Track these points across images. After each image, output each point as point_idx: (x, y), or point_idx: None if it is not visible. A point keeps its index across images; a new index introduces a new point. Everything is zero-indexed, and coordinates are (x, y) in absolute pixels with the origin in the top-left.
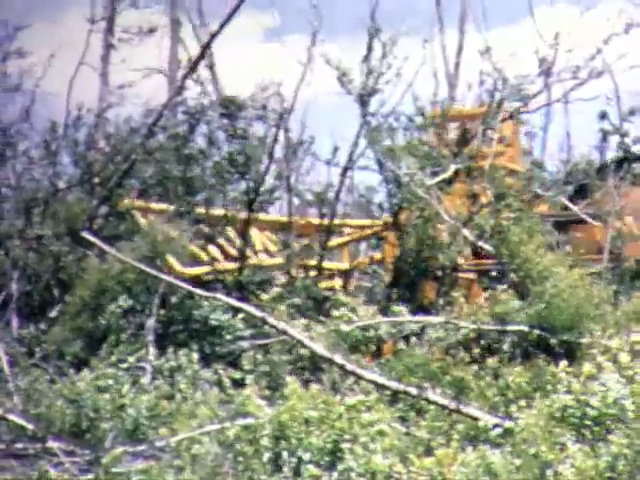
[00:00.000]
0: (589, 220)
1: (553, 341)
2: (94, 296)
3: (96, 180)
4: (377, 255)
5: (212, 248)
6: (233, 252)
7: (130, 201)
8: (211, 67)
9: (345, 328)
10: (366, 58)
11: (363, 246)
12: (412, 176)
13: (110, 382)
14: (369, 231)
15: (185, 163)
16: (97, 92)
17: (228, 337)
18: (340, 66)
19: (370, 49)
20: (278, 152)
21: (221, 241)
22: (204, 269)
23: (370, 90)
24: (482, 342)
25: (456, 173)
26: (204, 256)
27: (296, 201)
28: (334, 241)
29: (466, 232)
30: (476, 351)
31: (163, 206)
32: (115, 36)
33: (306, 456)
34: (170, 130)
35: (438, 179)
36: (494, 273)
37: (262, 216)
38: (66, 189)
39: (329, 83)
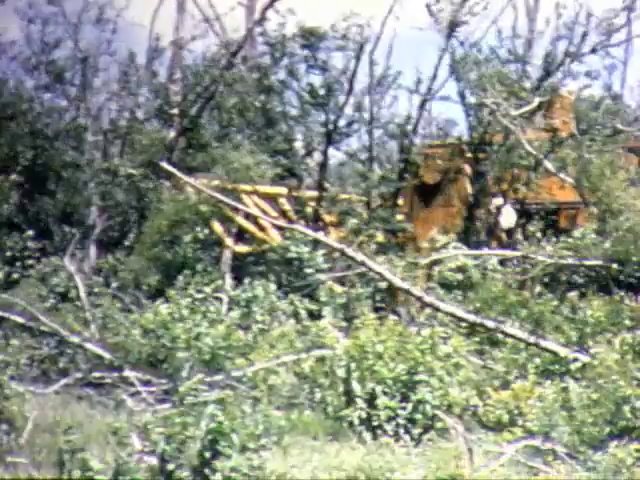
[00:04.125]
0: None
1: (631, 276)
2: (171, 226)
3: (175, 111)
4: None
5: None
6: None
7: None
8: None
9: (422, 261)
10: None
11: None
12: (499, 105)
13: (186, 312)
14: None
15: (265, 94)
16: (178, 23)
17: (307, 270)
18: None
19: None
20: (359, 84)
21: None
22: (251, 248)
23: (458, 20)
24: (560, 276)
25: (539, 106)
26: (254, 229)
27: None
28: None
29: (548, 164)
30: (553, 285)
31: None
32: None
33: (379, 388)
34: (250, 61)
35: (523, 110)
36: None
37: None
38: (145, 120)
39: (409, 17)
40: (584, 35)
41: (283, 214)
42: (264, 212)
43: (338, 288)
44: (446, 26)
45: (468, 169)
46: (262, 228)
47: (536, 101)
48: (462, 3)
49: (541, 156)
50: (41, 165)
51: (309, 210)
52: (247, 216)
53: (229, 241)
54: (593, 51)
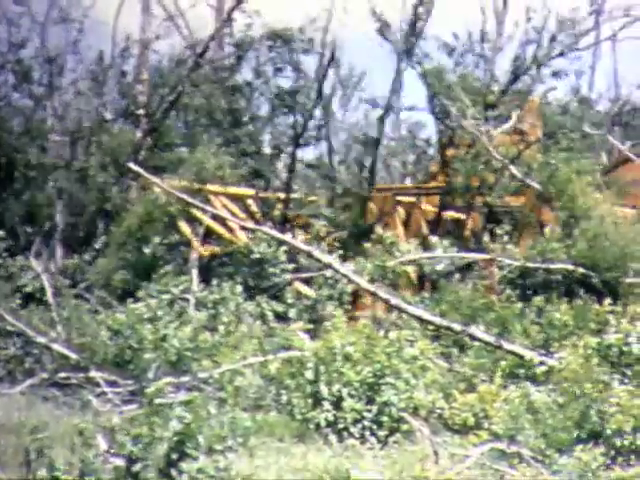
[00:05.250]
0: (636, 159)
1: (596, 280)
2: (139, 227)
3: (142, 111)
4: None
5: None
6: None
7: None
8: None
9: (389, 263)
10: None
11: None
12: (464, 111)
13: (155, 313)
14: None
15: (231, 95)
16: (144, 23)
17: (272, 270)
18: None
19: None
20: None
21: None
22: (218, 249)
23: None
24: (527, 280)
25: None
26: (222, 231)
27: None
28: None
29: (513, 169)
30: (521, 289)
31: None
32: None
33: (345, 391)
34: (217, 62)
35: (504, 127)
36: None
37: None
38: (112, 120)
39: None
40: (552, 38)
41: (250, 215)
42: (232, 213)
43: (306, 289)
44: (402, 45)
45: (402, 213)
46: (230, 229)
47: (514, 116)
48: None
49: (506, 161)
50: (6, 165)
51: (276, 212)
52: (214, 217)
53: (196, 242)
54: (561, 54)
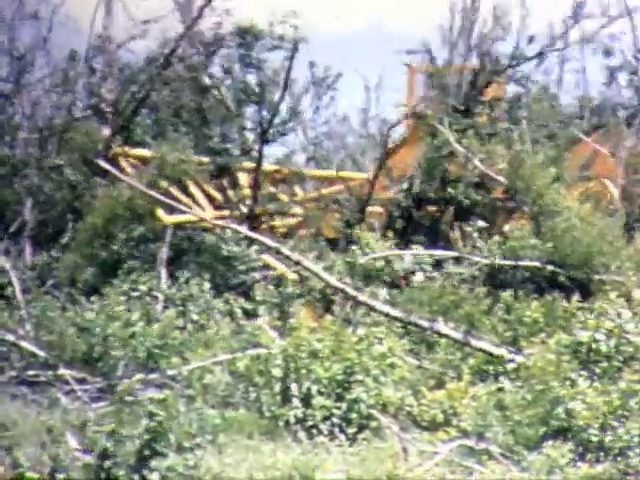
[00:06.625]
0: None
1: (565, 277)
2: (106, 224)
3: (111, 109)
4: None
5: (199, 195)
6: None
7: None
8: None
9: (360, 260)
10: None
11: None
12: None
13: (122, 310)
14: None
15: (200, 93)
16: (120, 23)
17: (241, 268)
18: None
19: None
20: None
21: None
22: (187, 217)
23: None
24: (495, 277)
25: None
26: (189, 203)
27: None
28: None
29: (477, 162)
30: (489, 285)
31: None
32: None
33: (314, 388)
34: (186, 60)
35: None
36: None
37: None
38: (81, 118)
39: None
40: (531, 38)
41: (224, 195)
42: (208, 196)
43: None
44: None
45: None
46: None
47: None
48: None
49: (470, 154)
50: None
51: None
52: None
53: (163, 214)
54: (540, 54)
